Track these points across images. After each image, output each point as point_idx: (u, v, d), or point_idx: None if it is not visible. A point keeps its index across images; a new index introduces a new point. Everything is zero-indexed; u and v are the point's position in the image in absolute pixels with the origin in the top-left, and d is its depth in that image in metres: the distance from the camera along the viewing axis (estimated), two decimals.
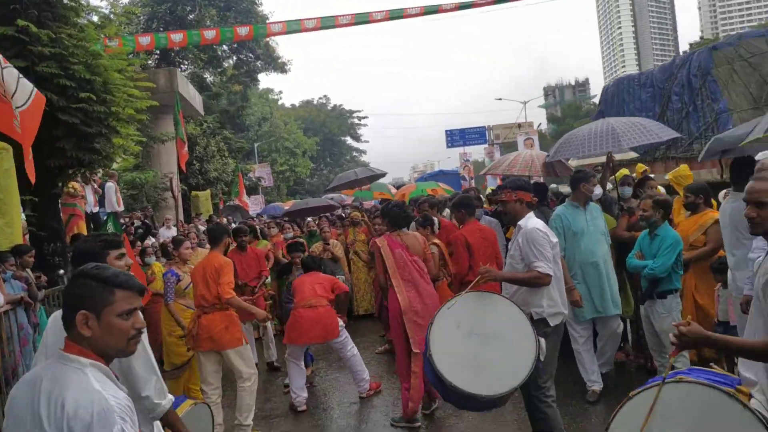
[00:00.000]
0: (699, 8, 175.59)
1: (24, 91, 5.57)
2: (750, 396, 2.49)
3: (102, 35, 8.76)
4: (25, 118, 5.53)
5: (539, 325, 4.17)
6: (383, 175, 15.24)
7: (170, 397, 2.93)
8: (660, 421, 2.61)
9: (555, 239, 4.37)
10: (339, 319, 6.36)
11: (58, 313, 3.19)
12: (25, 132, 5.61)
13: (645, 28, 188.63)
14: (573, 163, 9.88)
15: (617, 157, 8.77)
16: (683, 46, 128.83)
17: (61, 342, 2.01)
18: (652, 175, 7.93)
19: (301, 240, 9.18)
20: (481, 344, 3.91)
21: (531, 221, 4.33)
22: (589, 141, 6.62)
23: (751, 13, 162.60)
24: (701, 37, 79.27)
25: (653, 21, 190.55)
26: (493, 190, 10.48)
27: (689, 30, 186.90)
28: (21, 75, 5.60)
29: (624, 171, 8.22)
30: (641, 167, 9.75)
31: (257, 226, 10.45)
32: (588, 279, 5.59)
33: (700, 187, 5.82)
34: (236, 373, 5.60)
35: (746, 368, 2.63)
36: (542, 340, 3.97)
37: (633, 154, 10.16)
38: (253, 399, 5.59)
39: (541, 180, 8.45)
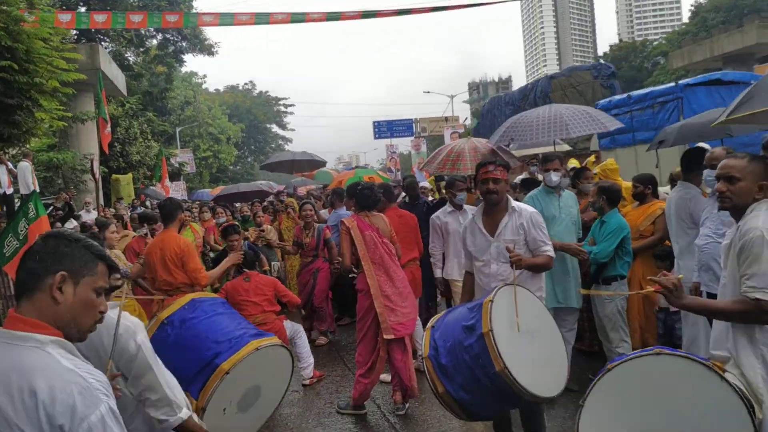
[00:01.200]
0: (617, 12, 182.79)
1: None
2: (724, 371, 2.59)
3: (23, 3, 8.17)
4: None
5: None
6: (323, 163, 15.16)
7: (184, 410, 2.67)
8: (640, 393, 2.67)
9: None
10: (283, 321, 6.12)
11: None
12: None
13: (566, 29, 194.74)
14: (518, 153, 10.05)
15: (550, 148, 8.97)
16: (602, 48, 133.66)
17: None
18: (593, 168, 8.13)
19: (236, 223, 8.87)
20: (531, 342, 3.56)
21: (524, 205, 4.24)
22: (538, 127, 6.60)
23: (663, 17, 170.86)
24: (620, 40, 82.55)
25: (573, 22, 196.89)
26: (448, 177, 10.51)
27: (607, 32, 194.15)
28: None
29: (574, 162, 8.37)
30: (574, 162, 10.01)
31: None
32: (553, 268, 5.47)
33: (647, 177, 5.93)
34: None
35: (717, 347, 2.84)
36: None
37: (566, 147, 10.41)
38: None
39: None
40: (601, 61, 70.47)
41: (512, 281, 3.72)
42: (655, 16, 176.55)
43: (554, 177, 5.27)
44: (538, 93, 10.34)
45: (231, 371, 3.77)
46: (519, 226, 4.10)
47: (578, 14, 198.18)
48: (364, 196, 5.51)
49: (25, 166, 12.60)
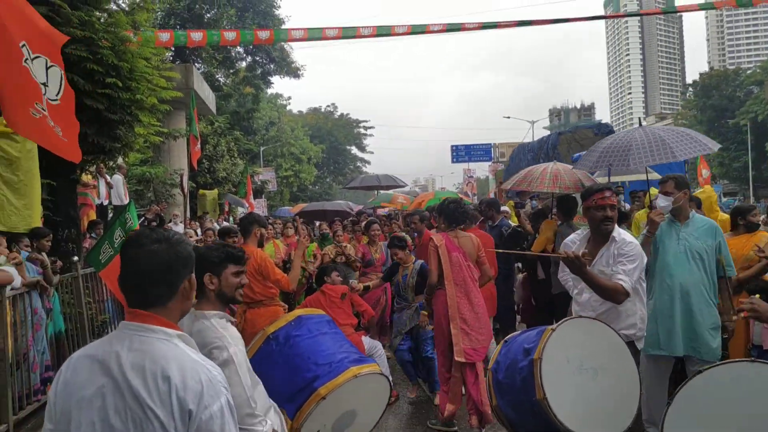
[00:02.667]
0: (707, 39, 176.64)
1: (54, 82, 5.31)
2: None
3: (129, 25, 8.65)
4: (57, 115, 5.27)
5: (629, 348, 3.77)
6: (404, 185, 15.37)
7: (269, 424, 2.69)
8: (730, 397, 2.66)
9: (645, 257, 4.03)
10: (361, 336, 6.19)
11: None
12: (68, 138, 5.42)
13: (653, 56, 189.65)
14: (603, 180, 9.80)
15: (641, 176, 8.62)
16: (691, 75, 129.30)
17: None
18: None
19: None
20: (591, 379, 3.47)
21: (626, 234, 4.03)
22: (638, 150, 6.06)
23: (758, 45, 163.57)
24: (711, 68, 79.68)
25: (661, 48, 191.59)
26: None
27: (697, 60, 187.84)
28: (50, 64, 5.36)
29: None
30: (654, 191, 9.68)
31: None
32: (658, 306, 4.60)
33: (748, 207, 5.74)
34: None
35: None
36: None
37: (655, 175, 10.05)
38: None
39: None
40: (690, 90, 68.22)
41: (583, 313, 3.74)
42: (749, 44, 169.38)
43: (662, 202, 4.83)
44: (549, 145, 11.34)
45: (327, 397, 3.78)
46: (610, 256, 3.93)
47: (666, 41, 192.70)
48: (450, 210, 5.54)
49: (119, 179, 13.30)
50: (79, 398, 1.71)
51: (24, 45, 4.88)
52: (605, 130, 9.92)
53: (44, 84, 5.13)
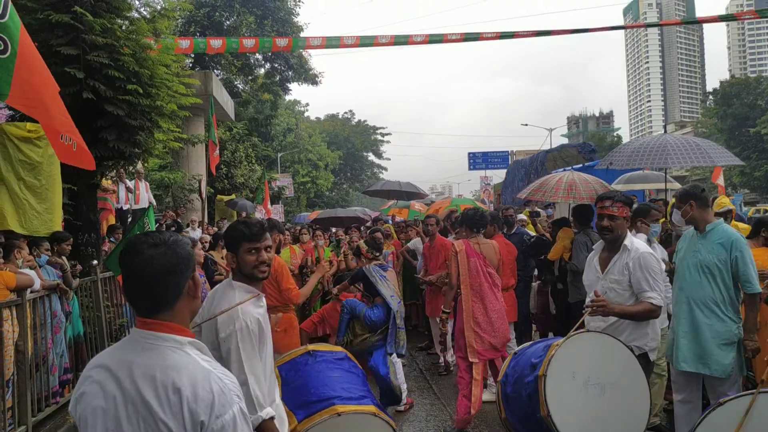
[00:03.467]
0: (728, 47, 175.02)
1: None
2: None
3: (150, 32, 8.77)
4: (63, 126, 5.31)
5: (640, 360, 3.74)
6: (424, 195, 15.48)
7: (267, 410, 2.72)
8: (752, 428, 2.58)
9: (663, 265, 3.98)
10: None
11: None
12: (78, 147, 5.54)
13: (673, 64, 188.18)
14: (619, 186, 9.82)
15: (660, 185, 8.62)
16: (712, 83, 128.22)
17: None
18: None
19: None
20: (598, 396, 3.45)
21: (637, 243, 3.96)
22: (640, 154, 6.41)
23: None
24: (732, 76, 78.96)
25: (681, 56, 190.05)
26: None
27: (717, 67, 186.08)
28: None
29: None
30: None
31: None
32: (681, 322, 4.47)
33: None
34: None
35: None
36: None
37: (677, 185, 10.03)
38: None
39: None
40: (710, 98, 67.54)
41: (584, 328, 3.67)
42: None
43: (675, 216, 4.82)
44: (539, 162, 12.18)
45: (342, 415, 3.75)
46: (625, 266, 3.91)
47: (686, 48, 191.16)
48: (469, 216, 5.73)
49: (143, 184, 13.55)
50: (93, 408, 1.72)
51: None
52: (588, 149, 10.42)
53: None
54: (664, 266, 3.97)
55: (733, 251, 4.23)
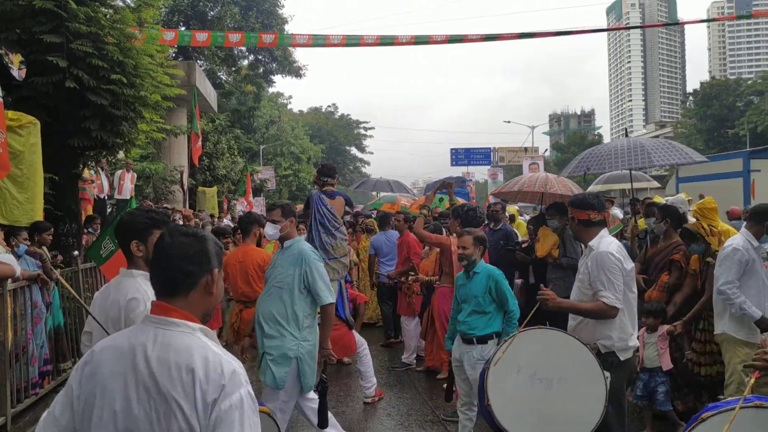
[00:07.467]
0: (709, 48, 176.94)
1: None
2: None
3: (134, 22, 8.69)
4: None
5: (606, 358, 3.69)
6: (413, 196, 15.72)
7: None
8: None
9: (630, 265, 3.84)
10: (355, 335, 6.25)
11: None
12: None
13: (654, 64, 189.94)
14: (596, 188, 9.86)
15: (641, 185, 8.71)
16: (692, 84, 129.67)
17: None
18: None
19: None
20: (545, 390, 3.53)
21: (604, 242, 3.83)
22: (616, 156, 6.42)
23: (759, 55, 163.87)
24: (712, 77, 79.89)
25: (662, 57, 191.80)
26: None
27: (698, 68, 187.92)
28: None
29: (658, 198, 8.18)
30: (659, 199, 9.70)
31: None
32: None
33: None
34: None
35: None
36: (609, 378, 3.56)
37: (655, 184, 10.13)
38: None
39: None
40: (690, 99, 68.29)
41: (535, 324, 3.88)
42: (750, 54, 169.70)
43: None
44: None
45: None
46: (586, 265, 3.87)
47: (668, 49, 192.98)
48: (468, 215, 5.92)
49: (127, 175, 13.48)
50: (102, 388, 1.77)
51: None
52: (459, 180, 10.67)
53: None
54: (629, 266, 3.82)
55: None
